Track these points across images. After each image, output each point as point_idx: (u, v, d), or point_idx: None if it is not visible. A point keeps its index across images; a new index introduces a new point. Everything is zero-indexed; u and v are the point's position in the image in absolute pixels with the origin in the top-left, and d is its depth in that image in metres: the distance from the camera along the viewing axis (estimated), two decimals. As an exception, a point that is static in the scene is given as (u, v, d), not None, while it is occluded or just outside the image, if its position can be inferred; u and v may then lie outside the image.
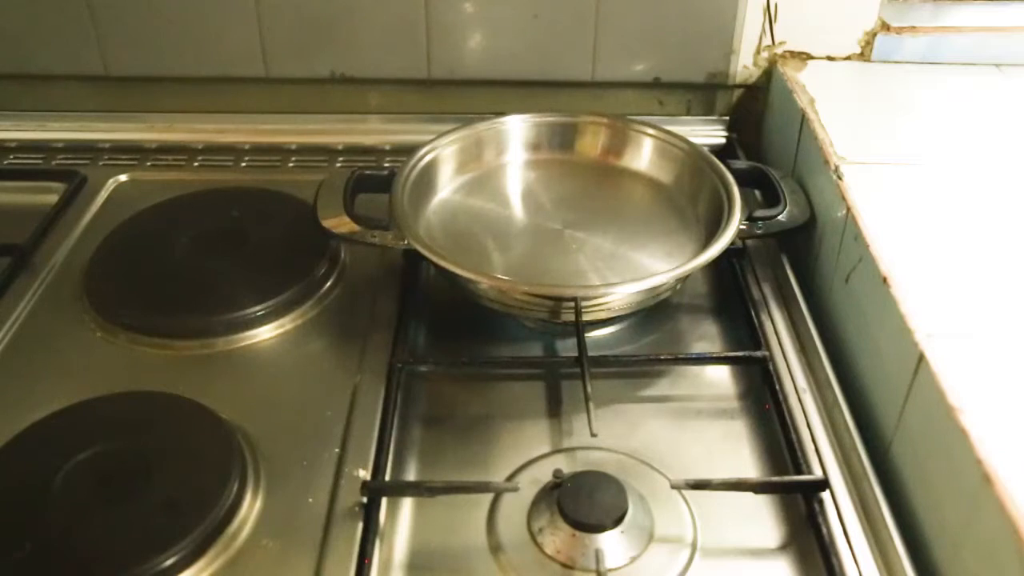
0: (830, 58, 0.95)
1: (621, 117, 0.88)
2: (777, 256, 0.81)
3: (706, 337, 0.76)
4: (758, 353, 0.71)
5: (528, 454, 0.64)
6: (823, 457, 0.63)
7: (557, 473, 0.59)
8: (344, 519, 0.58)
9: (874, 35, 0.94)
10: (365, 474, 0.61)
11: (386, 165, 0.95)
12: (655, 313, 0.76)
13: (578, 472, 0.60)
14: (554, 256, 0.77)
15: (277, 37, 0.95)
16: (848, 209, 0.71)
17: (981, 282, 0.64)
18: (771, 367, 0.69)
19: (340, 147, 0.98)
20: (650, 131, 0.86)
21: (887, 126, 0.83)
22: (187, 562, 0.55)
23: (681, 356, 0.74)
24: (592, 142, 0.88)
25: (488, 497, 0.60)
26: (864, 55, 0.94)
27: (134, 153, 0.97)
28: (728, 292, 0.79)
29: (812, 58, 0.94)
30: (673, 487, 0.60)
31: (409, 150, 0.82)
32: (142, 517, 0.57)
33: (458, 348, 0.75)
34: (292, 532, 0.58)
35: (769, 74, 0.97)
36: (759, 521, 0.60)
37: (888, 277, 0.64)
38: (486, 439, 0.66)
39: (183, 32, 0.94)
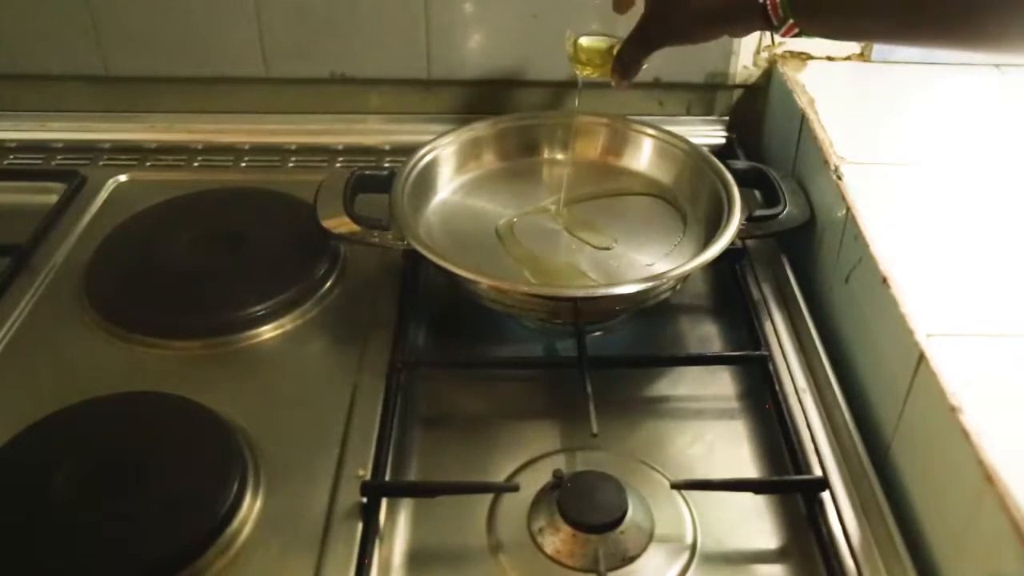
0: (830, 58, 0.95)
1: (621, 117, 0.88)
2: (777, 256, 0.81)
3: (706, 337, 0.76)
4: (758, 353, 0.71)
5: (528, 454, 0.64)
6: (823, 457, 0.63)
7: (557, 473, 0.59)
8: (344, 519, 0.58)
9: (874, 35, 0.94)
10: (365, 474, 0.61)
11: (386, 165, 0.95)
12: (655, 313, 0.76)
13: (578, 472, 0.60)
14: (554, 256, 0.77)
15: (277, 37, 0.95)
16: (848, 209, 0.71)
17: (981, 282, 0.64)
18: (771, 367, 0.69)
19: (340, 147, 0.98)
20: (650, 131, 0.86)
21: (887, 126, 0.83)
22: (187, 562, 0.55)
23: (681, 356, 0.74)
24: (592, 142, 0.88)
25: (488, 497, 0.60)
26: (864, 55, 0.94)
27: (134, 153, 0.97)
28: (728, 292, 0.79)
29: (812, 58, 0.94)
30: (673, 487, 0.60)
31: (409, 150, 0.82)
32: (142, 517, 0.57)
33: (458, 348, 0.75)
34: (292, 532, 0.58)
35: (769, 74, 0.97)
36: (759, 521, 0.60)
37: (888, 277, 0.64)
38: (486, 439, 0.66)
39: (183, 32, 0.94)
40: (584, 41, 0.77)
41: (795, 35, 0.61)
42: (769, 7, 0.60)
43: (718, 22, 0.66)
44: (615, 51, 0.73)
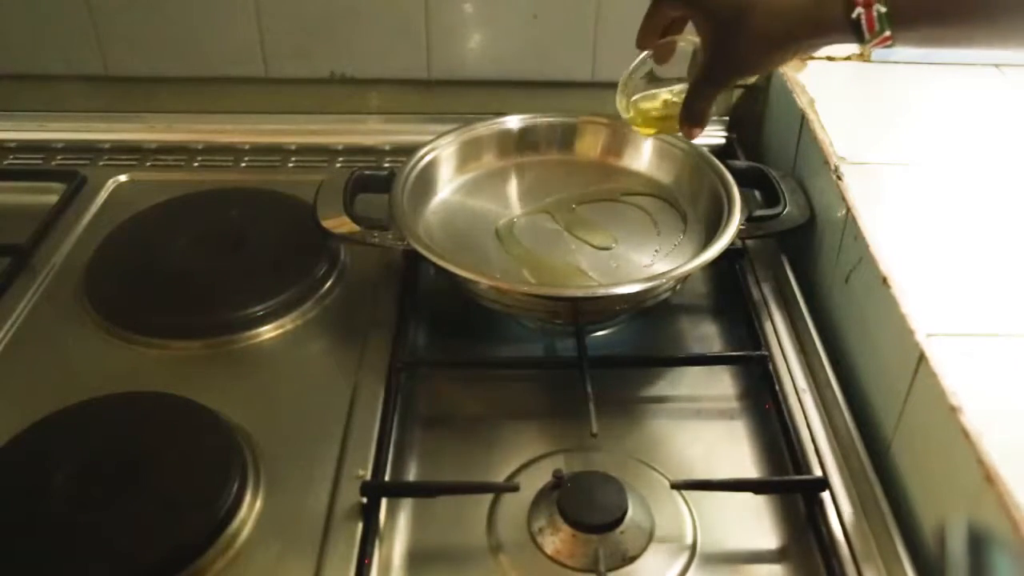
0: (830, 58, 0.95)
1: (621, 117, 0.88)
2: (777, 256, 0.81)
3: (706, 337, 0.76)
4: (758, 353, 0.71)
5: (528, 454, 0.64)
6: (823, 457, 0.63)
7: (557, 473, 0.59)
8: (344, 519, 0.58)
9: (874, 35, 0.93)
10: (365, 474, 0.61)
11: (386, 165, 0.95)
12: (655, 313, 0.76)
13: (578, 472, 0.60)
14: (554, 256, 0.77)
15: (276, 37, 0.95)
16: (848, 209, 0.71)
17: (981, 282, 0.64)
18: (771, 367, 0.69)
19: (340, 147, 0.98)
20: (650, 131, 0.86)
21: (887, 126, 0.83)
22: (187, 562, 0.55)
23: (681, 356, 0.74)
24: (592, 142, 0.88)
25: (488, 497, 0.60)
26: (864, 55, 0.94)
27: (134, 153, 0.97)
28: (728, 292, 0.79)
29: (812, 58, 0.94)
30: (673, 487, 0.60)
31: (409, 150, 0.82)
32: (142, 517, 0.57)
33: (458, 348, 0.75)
34: (292, 532, 0.58)
35: (769, 74, 0.96)
36: (759, 521, 0.60)
37: (888, 277, 0.64)
38: (486, 439, 0.66)
39: (183, 32, 0.94)
40: (643, 103, 0.69)
41: (887, 46, 0.55)
42: (864, 21, 0.54)
43: (792, 42, 0.57)
44: (680, 99, 0.65)
